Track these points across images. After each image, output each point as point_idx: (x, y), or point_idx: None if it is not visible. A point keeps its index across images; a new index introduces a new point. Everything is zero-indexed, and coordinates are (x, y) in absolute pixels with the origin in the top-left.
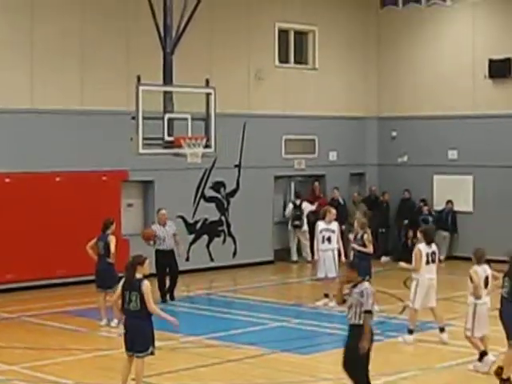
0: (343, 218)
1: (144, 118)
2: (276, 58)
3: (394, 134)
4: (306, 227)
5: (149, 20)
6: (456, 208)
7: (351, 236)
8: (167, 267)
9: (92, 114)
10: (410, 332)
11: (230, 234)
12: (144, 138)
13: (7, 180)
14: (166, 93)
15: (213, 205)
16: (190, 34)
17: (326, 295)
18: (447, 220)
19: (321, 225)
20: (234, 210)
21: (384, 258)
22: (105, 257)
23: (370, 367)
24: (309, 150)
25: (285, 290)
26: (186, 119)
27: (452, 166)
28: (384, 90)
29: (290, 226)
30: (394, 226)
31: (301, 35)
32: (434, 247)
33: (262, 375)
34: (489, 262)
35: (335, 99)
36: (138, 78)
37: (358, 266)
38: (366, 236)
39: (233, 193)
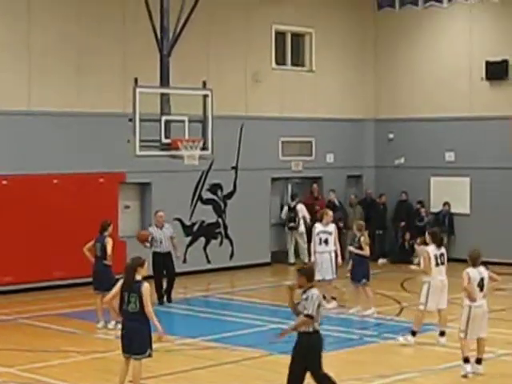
0: (340, 220)
1: (141, 120)
2: (273, 60)
3: (391, 136)
4: (302, 228)
5: (146, 22)
6: (453, 210)
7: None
8: (164, 269)
9: (89, 116)
10: (414, 334)
11: (227, 236)
12: (141, 140)
13: (4, 182)
14: (162, 95)
15: (210, 207)
16: (186, 36)
17: (324, 297)
18: (444, 222)
19: (318, 227)
20: (231, 212)
21: (381, 260)
22: (102, 259)
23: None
24: (306, 152)
25: (282, 292)
26: (183, 121)
27: (449, 168)
28: (381, 92)
29: (286, 228)
30: (391, 228)
31: (298, 37)
32: (442, 249)
33: (260, 377)
34: (486, 263)
35: (332, 101)
36: (135, 80)
37: (306, 272)
38: (362, 238)
39: (230, 195)
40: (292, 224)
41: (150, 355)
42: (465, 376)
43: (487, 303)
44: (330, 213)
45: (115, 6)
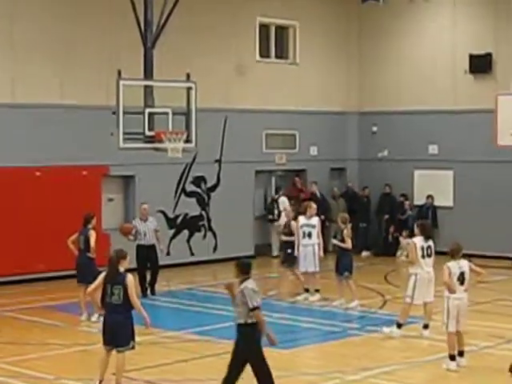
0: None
1: (125, 113)
2: (257, 52)
3: (375, 128)
4: (282, 221)
5: (130, 14)
6: (436, 203)
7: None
8: (148, 262)
9: (72, 109)
10: (399, 326)
11: (211, 229)
12: (125, 133)
13: None
14: (146, 87)
15: (193, 199)
16: (170, 28)
17: (307, 290)
18: (427, 215)
19: (301, 220)
20: (214, 205)
21: (365, 253)
22: (85, 251)
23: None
24: (289, 145)
25: (265, 285)
26: (166, 114)
27: (432, 160)
28: (365, 84)
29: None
30: (375, 221)
31: (282, 30)
32: (430, 242)
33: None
34: (469, 256)
35: (316, 94)
36: (119, 73)
37: (237, 265)
38: (345, 231)
39: (213, 187)
40: (270, 216)
41: (133, 347)
42: (448, 370)
43: (467, 296)
44: (314, 206)
45: (99, 0)
